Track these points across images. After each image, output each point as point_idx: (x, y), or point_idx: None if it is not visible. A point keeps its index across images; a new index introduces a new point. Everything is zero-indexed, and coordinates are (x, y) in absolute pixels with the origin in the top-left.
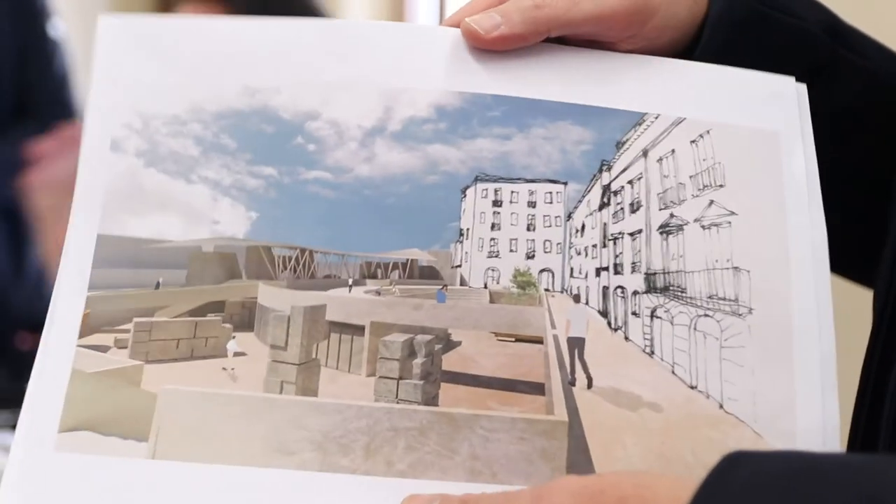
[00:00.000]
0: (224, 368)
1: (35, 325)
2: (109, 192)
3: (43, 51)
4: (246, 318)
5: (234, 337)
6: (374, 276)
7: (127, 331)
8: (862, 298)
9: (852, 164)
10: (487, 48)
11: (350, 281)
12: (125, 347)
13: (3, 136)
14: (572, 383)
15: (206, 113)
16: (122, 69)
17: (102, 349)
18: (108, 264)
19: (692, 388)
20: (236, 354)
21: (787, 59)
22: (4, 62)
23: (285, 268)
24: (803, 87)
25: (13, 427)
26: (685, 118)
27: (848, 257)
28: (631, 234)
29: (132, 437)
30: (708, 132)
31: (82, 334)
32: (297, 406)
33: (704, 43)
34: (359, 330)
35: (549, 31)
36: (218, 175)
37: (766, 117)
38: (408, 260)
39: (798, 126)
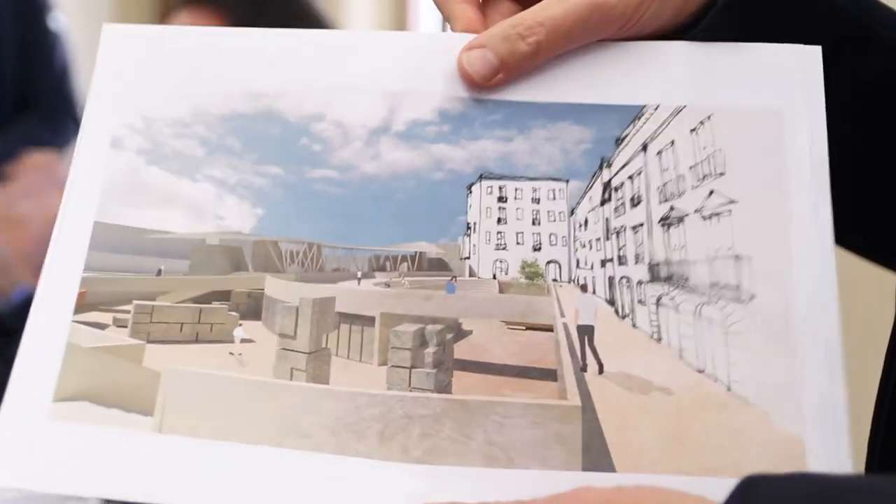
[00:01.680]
0: (231, 353)
1: None
2: (108, 185)
3: (44, 44)
4: (253, 308)
5: (240, 324)
6: (382, 269)
7: (126, 311)
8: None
9: (880, 140)
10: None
11: (359, 274)
12: (124, 326)
13: (4, 130)
14: (583, 369)
15: (210, 116)
16: (124, 74)
17: (100, 326)
18: (106, 248)
19: (700, 371)
20: (244, 341)
21: (812, 30)
22: (5, 55)
23: (293, 261)
24: (816, 51)
25: None
26: (685, 105)
27: (876, 239)
28: (633, 228)
29: (136, 411)
30: (709, 118)
31: (78, 311)
32: (308, 392)
33: (720, 17)
34: (369, 321)
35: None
36: (223, 174)
37: (770, 94)
38: (416, 253)
39: (805, 98)
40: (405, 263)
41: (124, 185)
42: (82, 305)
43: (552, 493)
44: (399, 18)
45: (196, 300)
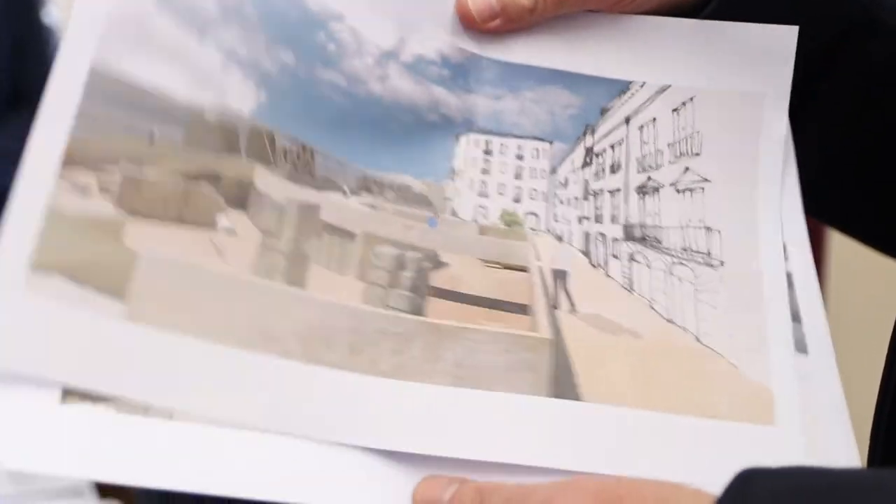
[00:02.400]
0: (212, 241)
1: None
2: (111, 23)
3: (37, 39)
4: (240, 197)
5: (225, 211)
6: (369, 191)
7: (113, 172)
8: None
9: (886, 125)
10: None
11: (346, 189)
12: (108, 191)
13: (1, 126)
14: (556, 307)
15: None
16: None
17: (84, 190)
18: (100, 98)
19: (669, 321)
20: (226, 230)
21: (818, 17)
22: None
23: (285, 159)
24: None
25: None
26: (670, 85)
27: (883, 225)
28: (611, 192)
29: (108, 292)
30: (691, 99)
31: (65, 164)
32: (283, 295)
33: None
34: (350, 236)
35: (538, 22)
36: (233, 43)
37: (753, 77)
38: (403, 184)
39: (787, 81)
40: (391, 191)
41: (128, 28)
42: (69, 159)
43: (555, 479)
44: None
45: (185, 175)
